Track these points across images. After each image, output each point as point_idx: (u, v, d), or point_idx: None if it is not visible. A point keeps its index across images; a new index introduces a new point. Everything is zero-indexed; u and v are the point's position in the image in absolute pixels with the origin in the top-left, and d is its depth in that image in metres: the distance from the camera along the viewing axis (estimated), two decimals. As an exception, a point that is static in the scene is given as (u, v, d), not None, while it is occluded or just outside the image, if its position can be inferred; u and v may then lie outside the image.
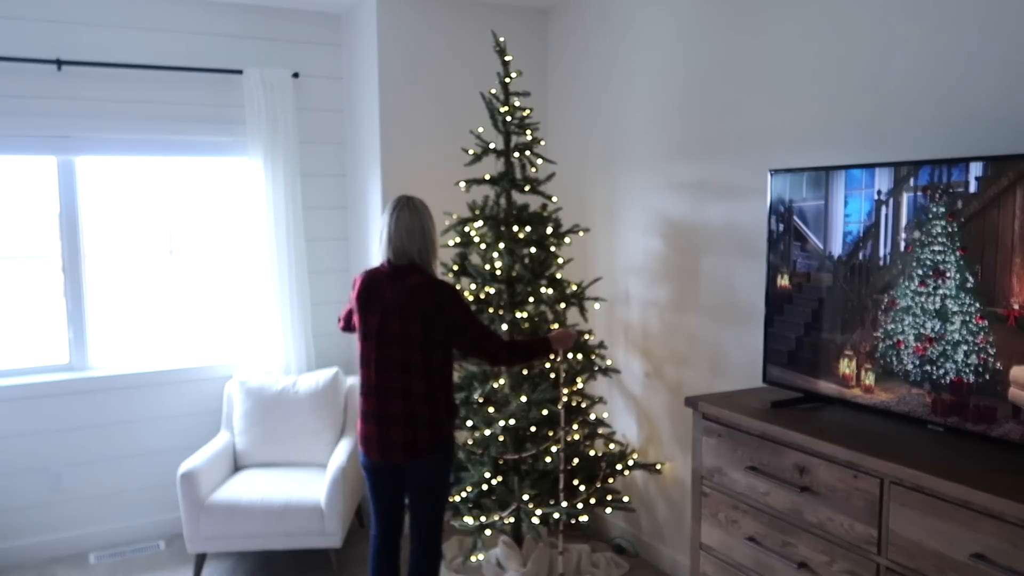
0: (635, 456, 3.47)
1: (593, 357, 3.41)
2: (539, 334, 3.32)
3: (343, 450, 3.72)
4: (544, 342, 2.90)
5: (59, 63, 3.65)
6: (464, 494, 3.23)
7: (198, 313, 4.23)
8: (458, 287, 3.29)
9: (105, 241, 4.01)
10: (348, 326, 2.97)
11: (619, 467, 3.40)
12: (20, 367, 3.87)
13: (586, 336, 3.41)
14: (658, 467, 3.50)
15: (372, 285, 2.73)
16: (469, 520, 3.16)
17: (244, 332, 4.20)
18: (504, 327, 3.23)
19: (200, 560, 3.56)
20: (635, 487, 3.80)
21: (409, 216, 2.70)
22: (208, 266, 4.24)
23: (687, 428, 3.39)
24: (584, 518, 3.23)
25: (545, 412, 3.13)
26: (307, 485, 3.58)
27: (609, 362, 3.53)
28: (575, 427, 3.36)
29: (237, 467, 3.87)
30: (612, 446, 3.50)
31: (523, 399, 3.12)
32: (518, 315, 3.24)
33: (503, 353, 2.78)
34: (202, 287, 4.23)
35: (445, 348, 2.72)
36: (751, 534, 2.43)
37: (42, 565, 3.78)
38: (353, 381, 4.07)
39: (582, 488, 3.29)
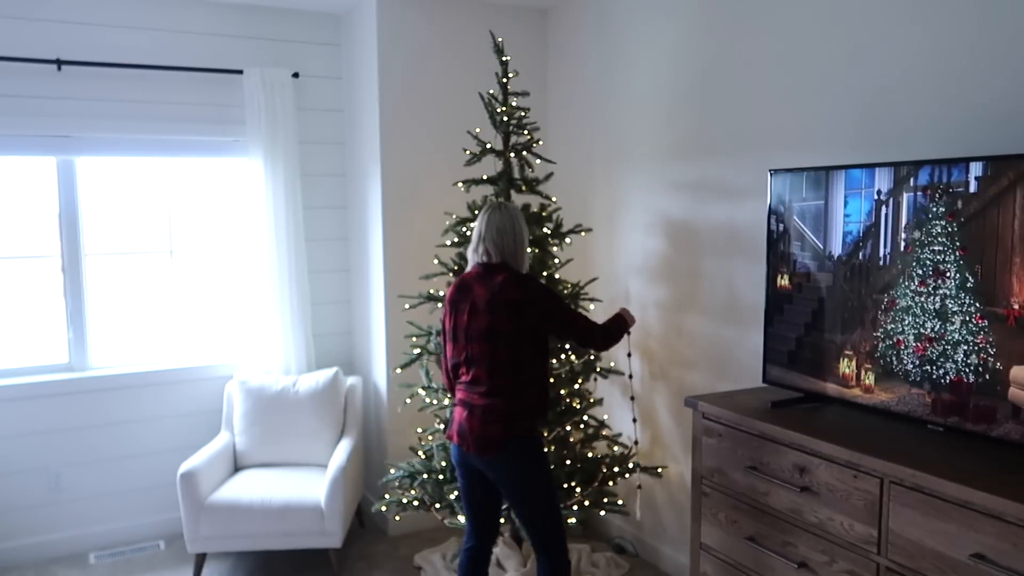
0: (637, 459, 3.44)
1: (592, 358, 3.40)
2: None
3: (343, 450, 3.72)
4: (621, 318, 2.87)
5: (59, 63, 3.65)
6: (457, 492, 3.22)
7: (198, 313, 4.23)
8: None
9: (105, 241, 4.01)
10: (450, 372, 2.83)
11: (618, 469, 3.39)
12: (20, 367, 3.87)
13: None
14: (659, 471, 3.48)
15: (462, 286, 2.74)
16: (461, 519, 3.15)
17: (244, 332, 4.19)
18: None
19: (200, 560, 3.56)
20: (635, 487, 3.80)
21: (500, 217, 2.71)
22: (208, 266, 4.23)
23: (688, 428, 3.39)
24: (572, 520, 3.20)
25: None
26: (307, 485, 3.58)
27: (612, 364, 3.52)
28: (568, 428, 3.34)
29: (237, 467, 3.87)
30: (616, 449, 3.49)
31: None
32: None
33: (596, 336, 2.75)
34: (202, 287, 4.23)
35: (536, 342, 2.66)
36: (751, 534, 2.43)
37: (42, 565, 3.78)
38: (353, 381, 4.09)
39: (578, 490, 3.28)
